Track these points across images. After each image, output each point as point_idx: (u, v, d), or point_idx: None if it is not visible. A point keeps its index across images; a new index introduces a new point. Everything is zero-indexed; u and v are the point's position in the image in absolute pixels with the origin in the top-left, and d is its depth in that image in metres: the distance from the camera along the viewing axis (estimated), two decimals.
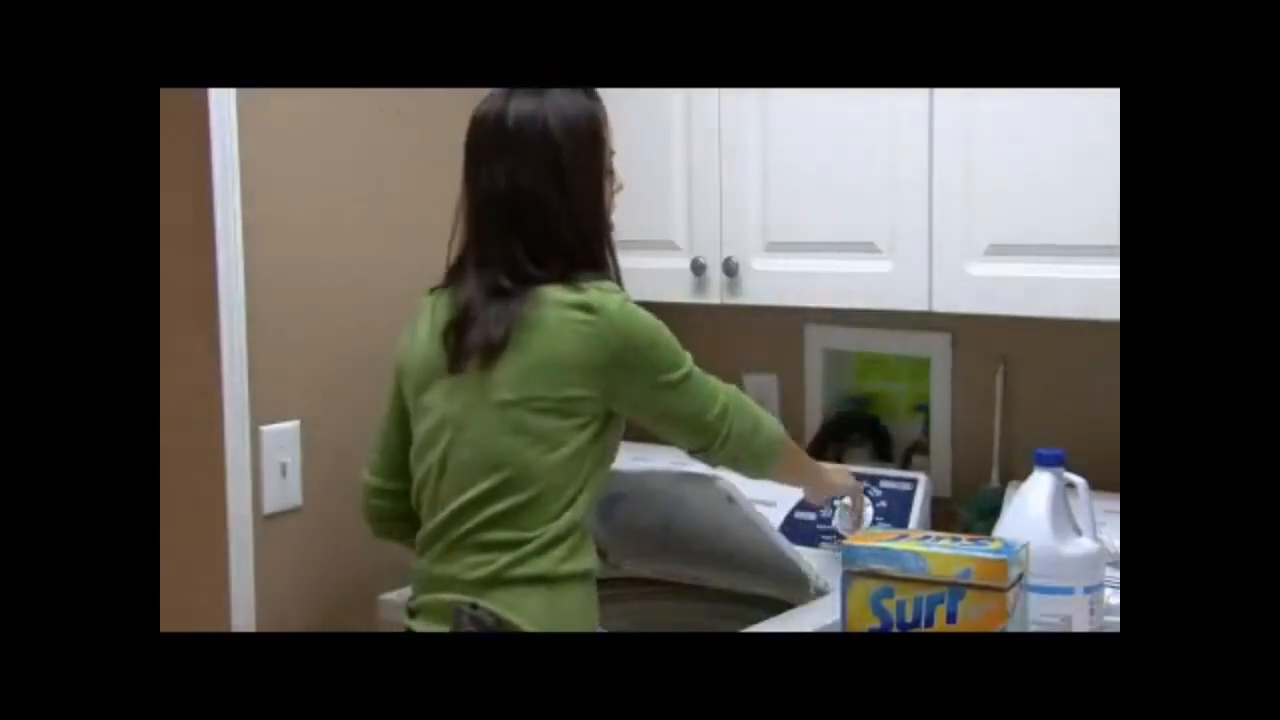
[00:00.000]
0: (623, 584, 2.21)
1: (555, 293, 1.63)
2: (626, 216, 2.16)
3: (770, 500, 2.07)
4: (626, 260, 2.16)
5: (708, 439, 1.72)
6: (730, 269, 2.04)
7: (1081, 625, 1.63)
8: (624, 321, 1.64)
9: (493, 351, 1.63)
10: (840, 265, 1.94)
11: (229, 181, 1.88)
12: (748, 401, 1.77)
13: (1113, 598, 1.69)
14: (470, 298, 1.67)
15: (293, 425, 2.00)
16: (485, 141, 1.68)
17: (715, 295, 2.08)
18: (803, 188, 1.97)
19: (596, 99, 1.73)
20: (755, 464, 1.79)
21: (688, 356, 1.70)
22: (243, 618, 1.92)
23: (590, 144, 1.70)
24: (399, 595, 1.87)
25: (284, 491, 1.99)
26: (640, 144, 2.13)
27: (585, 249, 1.69)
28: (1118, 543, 1.73)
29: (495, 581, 1.61)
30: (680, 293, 2.11)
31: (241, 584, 1.91)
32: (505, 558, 1.61)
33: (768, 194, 2.01)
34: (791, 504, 2.11)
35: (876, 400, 2.23)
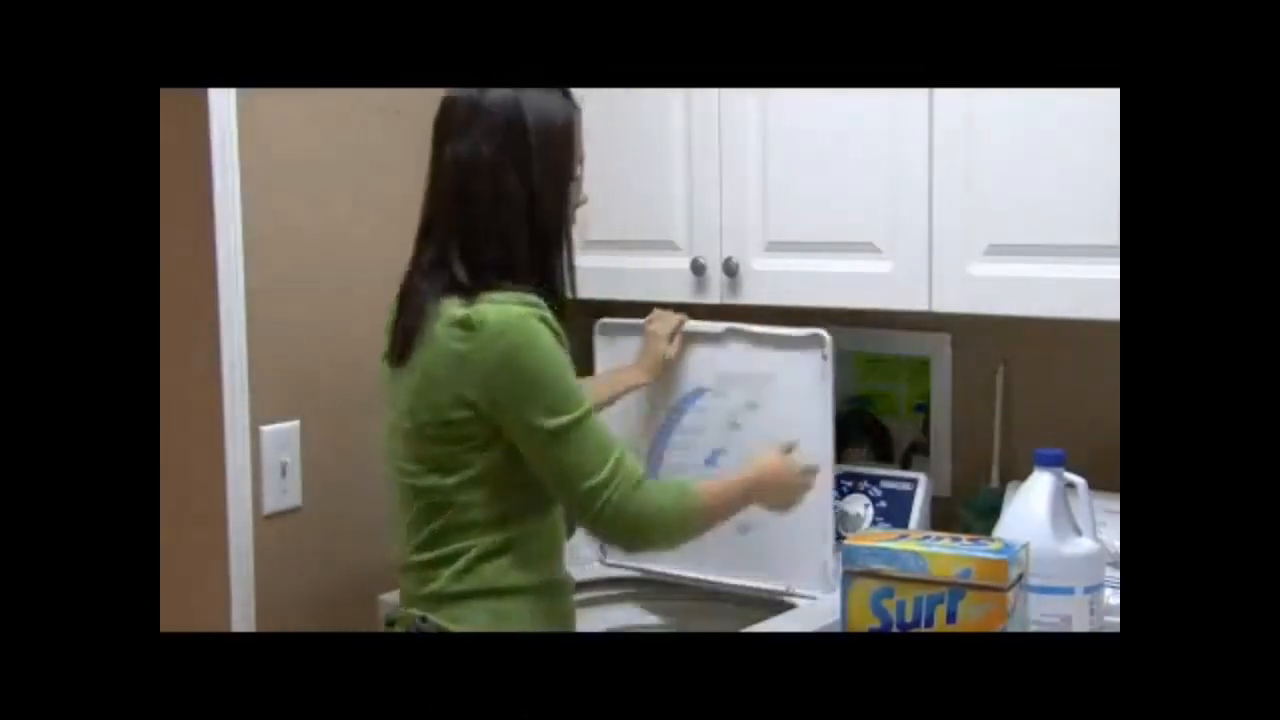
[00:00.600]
0: (621, 584, 2.21)
1: (449, 307, 1.57)
2: (626, 216, 2.18)
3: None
4: (627, 260, 2.17)
5: (577, 509, 1.58)
6: (730, 269, 2.04)
7: (1081, 625, 1.63)
8: (502, 339, 1.53)
9: (402, 346, 1.61)
10: (840, 265, 1.94)
11: (229, 181, 1.88)
12: (650, 486, 1.59)
13: (1113, 598, 1.69)
14: (408, 281, 1.65)
15: (293, 425, 2.00)
16: (454, 117, 1.64)
17: (715, 295, 2.08)
18: (803, 188, 1.97)
19: (574, 104, 1.68)
20: (649, 547, 1.66)
21: (581, 408, 1.56)
22: (243, 618, 1.92)
23: (561, 141, 1.65)
24: (397, 596, 1.87)
25: (284, 491, 1.99)
26: (640, 144, 2.13)
27: (536, 245, 1.62)
28: (1118, 543, 1.73)
29: (441, 597, 1.62)
30: (680, 293, 2.11)
31: (241, 584, 1.91)
32: (446, 572, 1.61)
33: (768, 194, 2.01)
34: None
35: (876, 400, 2.23)
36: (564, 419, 1.55)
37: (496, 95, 1.62)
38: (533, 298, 1.58)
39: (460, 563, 1.60)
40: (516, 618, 1.61)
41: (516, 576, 1.61)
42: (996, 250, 1.79)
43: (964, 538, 1.59)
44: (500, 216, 1.60)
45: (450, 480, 1.59)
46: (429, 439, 1.59)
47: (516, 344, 1.54)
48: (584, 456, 1.56)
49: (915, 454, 2.20)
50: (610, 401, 2.05)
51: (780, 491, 1.81)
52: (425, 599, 1.63)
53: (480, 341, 1.54)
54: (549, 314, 1.58)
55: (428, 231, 1.66)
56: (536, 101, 1.63)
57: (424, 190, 1.68)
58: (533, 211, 1.61)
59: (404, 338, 1.62)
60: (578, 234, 2.20)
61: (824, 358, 1.96)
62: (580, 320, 2.31)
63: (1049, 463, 1.69)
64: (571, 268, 1.68)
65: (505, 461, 1.59)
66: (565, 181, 1.67)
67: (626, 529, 1.59)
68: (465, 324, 1.54)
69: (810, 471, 1.85)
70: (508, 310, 1.55)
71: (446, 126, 1.65)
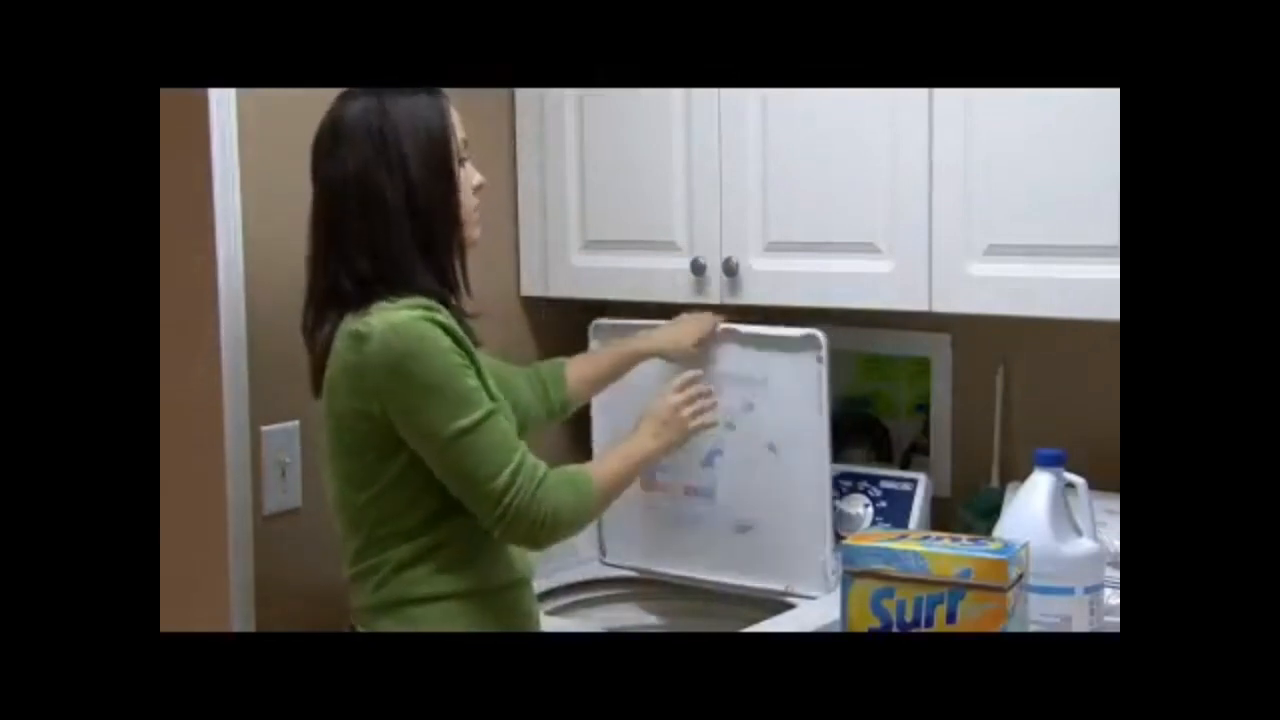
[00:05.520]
0: (621, 584, 2.21)
1: (347, 322, 1.57)
2: (626, 216, 2.17)
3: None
4: (627, 260, 2.17)
5: (480, 512, 1.56)
6: (730, 269, 2.04)
7: (1081, 625, 1.63)
8: (389, 348, 1.51)
9: (314, 379, 1.63)
10: (840, 265, 1.94)
11: (229, 181, 1.88)
12: (551, 484, 1.56)
13: (1113, 598, 1.69)
14: (304, 318, 1.65)
15: (293, 425, 2.00)
16: (321, 144, 1.63)
17: (715, 295, 2.08)
18: (803, 187, 1.97)
19: (440, 94, 1.64)
20: (553, 542, 1.61)
21: (478, 411, 1.53)
22: (242, 618, 1.92)
23: (438, 137, 1.61)
24: None
25: (284, 491, 1.98)
26: (640, 144, 2.13)
27: (425, 248, 1.59)
28: (1118, 543, 1.73)
29: (366, 610, 1.63)
30: (680, 293, 2.11)
31: (241, 584, 1.91)
32: (368, 585, 1.62)
33: (768, 194, 2.01)
34: None
35: (876, 400, 2.23)
36: (460, 423, 1.52)
37: (357, 108, 1.60)
38: (425, 300, 1.56)
39: (379, 575, 1.61)
40: (426, 626, 1.59)
41: (437, 584, 1.60)
42: (996, 250, 1.79)
43: (964, 538, 1.60)
44: (373, 228, 1.58)
45: (364, 495, 1.59)
46: (339, 454, 1.60)
47: (403, 351, 1.52)
48: (483, 460, 1.53)
49: (915, 454, 2.20)
50: (614, 375, 2.01)
51: (671, 430, 1.81)
52: (357, 612, 1.65)
53: (369, 353, 1.52)
54: (444, 315, 1.55)
55: (312, 262, 1.64)
56: (402, 104, 1.60)
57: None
58: (415, 215, 1.58)
59: (314, 369, 1.64)
60: (579, 234, 2.23)
61: (819, 360, 1.96)
62: (579, 319, 2.31)
63: (1049, 463, 1.69)
64: (462, 268, 1.64)
65: (413, 469, 1.57)
66: (448, 176, 1.62)
67: (532, 530, 1.56)
68: (357, 336, 1.54)
69: (686, 388, 1.85)
70: (394, 317, 1.53)
71: (316, 154, 1.64)
